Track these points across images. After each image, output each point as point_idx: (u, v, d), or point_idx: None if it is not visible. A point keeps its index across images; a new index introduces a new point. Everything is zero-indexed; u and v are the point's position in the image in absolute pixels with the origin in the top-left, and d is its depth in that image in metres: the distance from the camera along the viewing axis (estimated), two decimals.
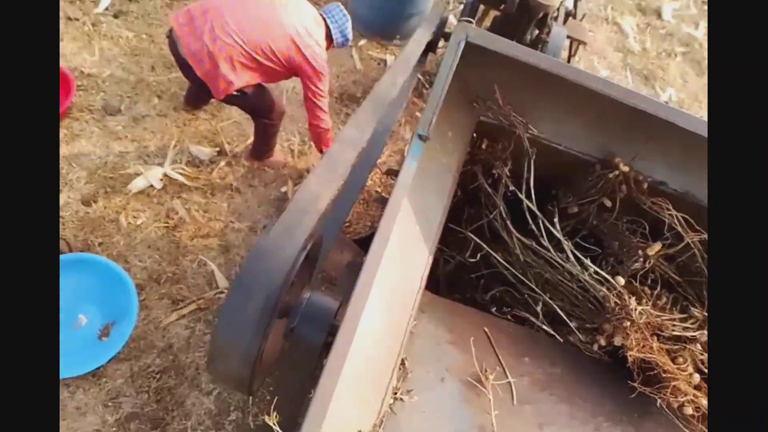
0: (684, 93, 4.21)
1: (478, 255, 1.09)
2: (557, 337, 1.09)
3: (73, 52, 2.96)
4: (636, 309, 0.97)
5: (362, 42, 3.58)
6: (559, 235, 1.06)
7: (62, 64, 2.89)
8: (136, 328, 2.28)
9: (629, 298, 1.00)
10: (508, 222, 1.09)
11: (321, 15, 2.48)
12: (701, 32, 4.67)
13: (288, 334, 1.26)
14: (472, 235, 1.13)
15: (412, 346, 1.00)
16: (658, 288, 1.10)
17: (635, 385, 0.94)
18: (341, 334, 0.80)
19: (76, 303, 2.26)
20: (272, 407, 0.90)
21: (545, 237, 1.07)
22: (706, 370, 0.97)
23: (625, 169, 1.13)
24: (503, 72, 0.99)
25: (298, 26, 2.32)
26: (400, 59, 2.75)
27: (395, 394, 0.95)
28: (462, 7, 3.58)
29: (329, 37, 2.51)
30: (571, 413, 0.97)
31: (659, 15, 4.69)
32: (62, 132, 2.71)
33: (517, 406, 0.96)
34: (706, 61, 4.47)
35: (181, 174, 2.76)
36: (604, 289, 1.01)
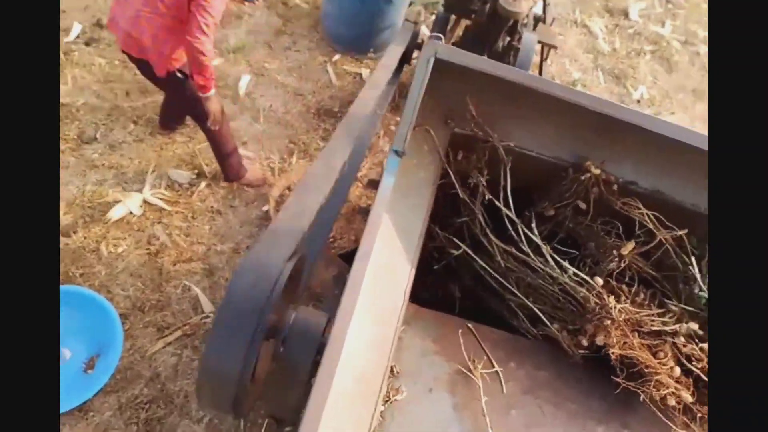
0: (655, 90, 4.30)
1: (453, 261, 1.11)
2: (551, 337, 1.10)
3: None
4: (615, 307, 0.99)
5: (336, 57, 3.60)
6: (537, 240, 1.07)
7: None
8: (121, 358, 2.24)
9: (608, 297, 1.01)
10: (488, 230, 1.10)
11: None
12: (668, 30, 4.78)
13: (276, 355, 1.25)
14: (457, 241, 1.14)
15: (398, 359, 1.00)
16: (636, 285, 1.12)
17: (619, 380, 0.95)
18: (328, 351, 0.80)
19: (59, 337, 2.22)
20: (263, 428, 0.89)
21: (524, 242, 1.08)
22: (686, 363, 0.99)
23: (596, 171, 1.15)
24: (474, 85, 1.01)
25: None
26: (375, 73, 2.77)
27: (385, 402, 0.95)
28: (434, 18, 3.63)
29: None
30: (557, 414, 0.98)
31: (626, 15, 4.79)
32: None
33: (505, 410, 0.97)
34: (675, 58, 4.58)
35: (160, 199, 2.74)
36: (583, 290, 1.02)
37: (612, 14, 4.77)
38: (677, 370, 0.97)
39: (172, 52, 2.22)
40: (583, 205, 1.18)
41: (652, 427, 0.96)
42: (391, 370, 1.00)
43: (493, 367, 0.99)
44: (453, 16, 3.24)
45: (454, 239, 1.11)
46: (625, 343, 0.96)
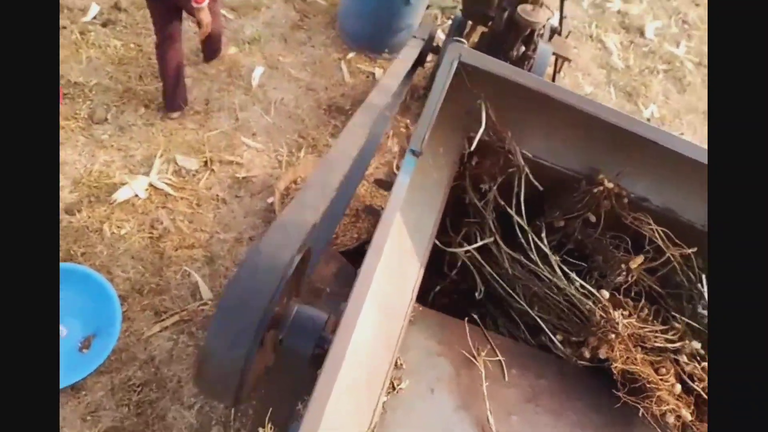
0: (666, 110, 4.30)
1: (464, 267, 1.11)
2: (551, 348, 1.10)
3: (60, 61, 2.94)
4: (621, 322, 0.99)
5: (351, 55, 3.61)
6: (546, 249, 1.07)
7: None
8: (117, 339, 2.24)
9: (614, 311, 1.01)
10: (497, 236, 1.11)
11: None
12: (683, 50, 4.78)
13: (276, 346, 1.25)
14: (469, 246, 1.14)
15: (403, 357, 1.00)
16: (642, 300, 1.12)
17: (620, 394, 0.95)
18: (336, 342, 0.80)
19: None
20: (267, 418, 0.89)
21: (534, 251, 1.08)
22: (687, 380, 0.99)
23: (610, 185, 1.15)
24: (493, 90, 1.02)
25: None
26: (389, 73, 2.77)
27: (389, 393, 0.96)
28: (450, 22, 3.63)
29: None
30: (557, 424, 0.98)
31: (642, 33, 4.79)
32: None
33: (506, 416, 0.97)
34: (687, 79, 4.58)
35: (166, 184, 2.74)
36: (589, 303, 1.02)
37: (628, 31, 4.77)
38: (678, 388, 0.97)
39: None
40: (593, 218, 1.19)
41: None
42: (396, 363, 1.01)
43: (494, 373, 0.99)
44: (470, 22, 3.24)
45: (462, 242, 1.11)
46: (627, 357, 0.96)
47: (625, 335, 0.97)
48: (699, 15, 5.20)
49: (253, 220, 2.81)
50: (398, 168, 2.14)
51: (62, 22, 3.14)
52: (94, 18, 3.19)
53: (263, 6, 3.62)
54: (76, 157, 2.70)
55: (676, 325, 1.09)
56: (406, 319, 0.90)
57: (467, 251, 1.10)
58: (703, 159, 1.02)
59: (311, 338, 1.10)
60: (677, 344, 1.03)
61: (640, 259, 1.11)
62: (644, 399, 0.94)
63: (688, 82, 4.57)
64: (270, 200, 2.88)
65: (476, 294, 1.06)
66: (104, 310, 2.26)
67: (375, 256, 0.84)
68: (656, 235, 1.13)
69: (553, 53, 3.21)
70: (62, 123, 2.75)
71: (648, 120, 4.19)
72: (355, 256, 2.34)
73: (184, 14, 2.66)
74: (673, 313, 1.11)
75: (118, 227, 2.56)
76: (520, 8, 2.77)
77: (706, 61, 4.81)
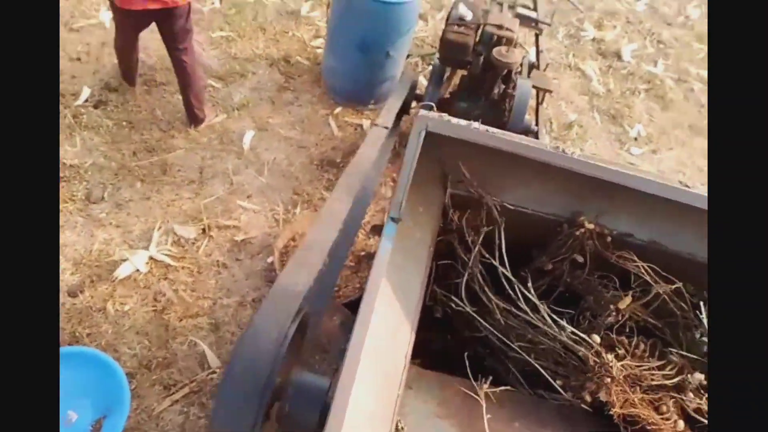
0: (651, 128, 4.37)
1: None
2: (554, 392, 1.09)
3: None
4: (615, 365, 0.99)
5: (338, 110, 3.70)
6: (534, 299, 1.09)
7: None
8: (128, 418, 2.22)
9: (606, 354, 1.01)
10: (486, 288, 1.12)
11: None
12: (660, 69, 4.89)
13: (281, 418, 1.25)
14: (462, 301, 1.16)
15: (403, 421, 1.00)
16: (635, 337, 1.12)
17: None
18: (329, 423, 0.80)
19: (65, 399, 2.20)
20: None
21: (522, 300, 1.09)
22: (691, 413, 0.98)
23: (590, 226, 1.17)
24: (466, 150, 1.05)
25: None
26: (375, 125, 2.84)
27: None
28: (431, 68, 3.74)
29: None
30: None
31: (619, 57, 4.91)
32: None
33: None
34: (669, 96, 4.66)
35: (167, 255, 2.78)
36: (582, 349, 1.03)
37: (605, 56, 4.89)
38: (681, 424, 0.96)
39: None
40: (580, 259, 1.20)
41: None
42: (397, 427, 1.00)
43: (497, 427, 0.99)
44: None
45: (453, 297, 1.12)
46: (626, 400, 0.96)
47: (620, 378, 0.97)
48: (672, 34, 5.34)
49: (254, 281, 2.83)
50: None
51: None
52: (86, 101, 3.30)
53: (249, 72, 3.74)
54: (76, 238, 2.74)
55: (673, 359, 1.09)
56: (402, 385, 0.90)
57: (457, 305, 1.12)
58: (677, 197, 1.05)
59: (315, 407, 1.10)
60: (676, 379, 1.03)
61: (628, 299, 1.12)
62: None
63: (670, 99, 4.66)
64: (270, 260, 2.90)
65: (465, 354, 1.06)
66: (113, 390, 2.24)
67: (363, 327, 0.85)
68: (642, 271, 1.14)
69: (534, 87, 3.29)
70: (60, 206, 2.81)
71: (635, 139, 4.25)
72: (359, 306, 2.34)
73: None
74: (671, 349, 1.11)
75: (122, 304, 2.58)
76: (494, 51, 2.86)
77: (685, 77, 4.91)
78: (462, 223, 1.17)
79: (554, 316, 1.07)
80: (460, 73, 3.44)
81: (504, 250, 1.12)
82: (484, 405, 1.00)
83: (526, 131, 3.39)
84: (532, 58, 3.78)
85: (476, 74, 3.04)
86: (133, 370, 2.40)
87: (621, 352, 1.07)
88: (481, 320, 1.11)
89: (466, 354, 1.17)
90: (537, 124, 3.46)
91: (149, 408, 2.30)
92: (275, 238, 2.98)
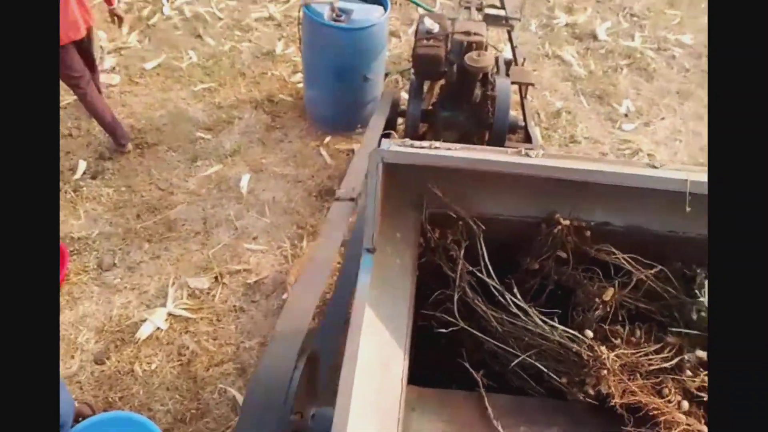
0: (640, 101, 4.37)
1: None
2: (558, 391, 1.10)
3: (60, 221, 3.13)
4: (609, 357, 1.01)
5: (328, 139, 3.77)
6: (522, 304, 1.12)
7: None
8: None
9: (599, 347, 1.04)
10: (477, 300, 1.15)
11: None
12: (639, 42, 4.90)
13: None
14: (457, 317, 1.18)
15: None
16: (629, 323, 1.13)
17: (628, 430, 0.96)
18: None
19: None
20: None
21: (512, 305, 1.12)
22: (694, 392, 0.99)
23: (566, 222, 1.20)
24: (431, 171, 1.08)
25: None
26: (362, 149, 2.88)
27: None
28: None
29: None
30: None
31: (595, 37, 4.94)
32: (64, 299, 2.82)
33: None
34: (652, 66, 4.67)
35: (184, 309, 2.84)
36: (575, 345, 1.05)
37: (581, 39, 4.92)
38: (685, 404, 0.98)
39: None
40: (564, 254, 1.23)
41: None
42: None
43: (509, 427, 1.01)
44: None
45: (446, 316, 1.15)
46: (624, 390, 0.98)
47: (615, 368, 0.99)
48: (644, 5, 5.35)
49: (273, 320, 2.88)
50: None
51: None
52: (84, 173, 3.41)
53: (235, 118, 3.84)
54: (95, 308, 2.82)
55: (670, 340, 1.10)
56: (401, 412, 0.93)
57: (451, 322, 1.15)
58: (642, 183, 1.07)
59: None
60: (674, 360, 1.04)
61: (610, 291, 1.14)
62: (653, 427, 0.95)
63: (653, 69, 4.66)
64: (285, 296, 2.95)
65: (468, 365, 1.08)
66: None
67: (351, 363, 0.88)
68: (622, 261, 1.17)
69: (515, 83, 3.32)
70: (74, 279, 2.90)
71: (626, 115, 4.26)
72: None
73: None
74: (670, 329, 1.12)
75: (148, 363, 2.65)
76: (466, 57, 2.91)
77: (664, 45, 4.92)
78: (443, 241, 1.20)
79: (543, 318, 1.09)
80: (441, 82, 3.50)
81: (487, 260, 1.16)
82: (491, 411, 1.03)
83: (514, 128, 3.43)
84: (509, 55, 3.82)
85: (454, 82, 3.10)
86: (169, 425, 2.46)
87: (617, 341, 1.09)
88: (478, 333, 1.14)
89: (468, 363, 1.20)
90: (525, 119, 3.49)
91: None
92: (287, 275, 3.04)
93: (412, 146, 1.11)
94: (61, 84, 3.17)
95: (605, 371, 0.98)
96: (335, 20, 3.41)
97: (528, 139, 3.41)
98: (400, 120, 3.43)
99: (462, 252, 1.17)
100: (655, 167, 1.17)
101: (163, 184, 3.38)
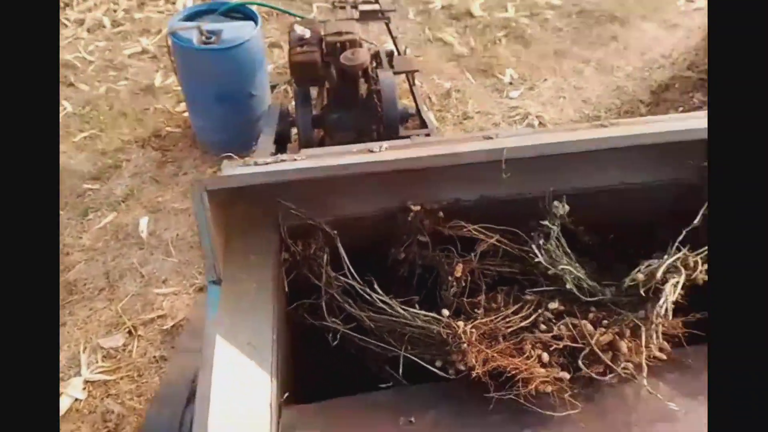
0: (521, 67, 4.54)
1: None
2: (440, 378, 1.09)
3: None
4: (466, 330, 1.03)
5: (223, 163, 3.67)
6: (384, 297, 1.12)
7: None
8: None
9: (455, 323, 1.05)
10: (348, 303, 1.15)
11: None
12: (512, 12, 5.09)
13: None
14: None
15: None
16: (486, 294, 1.16)
17: (492, 395, 0.97)
18: None
19: None
20: None
21: (377, 300, 1.13)
22: (553, 344, 1.01)
23: (416, 208, 1.22)
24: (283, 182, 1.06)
25: None
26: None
27: None
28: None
29: None
30: None
31: (471, 14, 5.08)
32: None
33: None
34: (528, 32, 4.86)
35: (101, 372, 2.69)
36: (434, 327, 1.06)
37: (458, 19, 5.06)
38: (545, 356, 1.01)
39: None
40: (423, 239, 1.25)
41: (547, 423, 0.98)
42: None
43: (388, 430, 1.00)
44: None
45: (323, 323, 1.14)
46: (485, 360, 1.00)
47: (473, 340, 1.02)
48: None
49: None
50: None
51: None
52: None
53: (123, 161, 3.67)
54: None
55: (529, 298, 1.14)
56: None
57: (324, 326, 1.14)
58: (474, 158, 1.09)
59: None
60: (532, 317, 1.08)
61: (459, 267, 1.17)
62: (512, 387, 0.97)
63: (529, 35, 4.86)
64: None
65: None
66: None
67: (203, 406, 0.85)
68: (474, 233, 1.20)
69: (399, 72, 3.35)
70: None
71: (511, 84, 4.42)
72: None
73: None
74: (532, 284, 1.15)
75: None
76: (342, 57, 2.91)
77: (536, 10, 5.14)
78: (307, 251, 1.19)
79: (403, 306, 1.10)
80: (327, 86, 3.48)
81: (347, 262, 1.15)
82: (369, 411, 1.02)
83: (405, 117, 3.46)
84: (390, 46, 3.86)
85: (336, 84, 3.10)
86: None
87: (480, 311, 1.12)
88: (354, 334, 1.14)
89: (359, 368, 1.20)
90: (417, 105, 3.53)
91: None
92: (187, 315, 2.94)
93: (255, 164, 1.08)
94: None
95: (465, 345, 1.00)
96: (205, 43, 3.32)
97: (423, 124, 3.46)
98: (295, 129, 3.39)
99: (327, 258, 1.16)
100: (491, 137, 1.21)
101: None
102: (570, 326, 1.06)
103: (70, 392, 2.61)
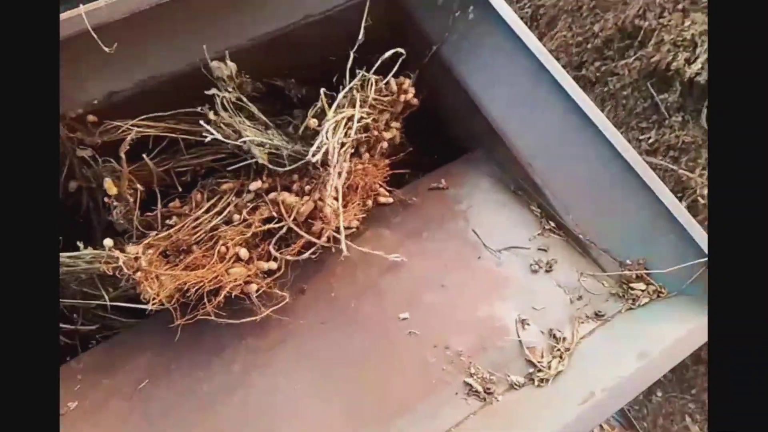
0: None
1: None
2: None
3: None
4: (138, 258, 0.83)
5: None
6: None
7: None
8: None
9: (117, 253, 0.85)
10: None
11: None
12: None
13: None
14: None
15: None
16: (175, 200, 0.95)
17: (179, 322, 0.82)
18: None
19: None
20: None
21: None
22: (250, 234, 0.85)
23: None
24: None
25: None
26: None
27: None
28: None
29: None
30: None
31: None
32: None
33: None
34: None
35: None
36: (100, 265, 0.84)
37: None
38: (244, 252, 0.85)
39: None
40: (83, 153, 0.96)
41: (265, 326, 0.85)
42: None
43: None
44: None
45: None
46: (161, 283, 0.82)
47: (146, 266, 0.82)
48: None
49: None
50: None
51: None
52: None
53: None
54: None
55: (225, 186, 0.94)
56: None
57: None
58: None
59: None
60: (227, 211, 0.89)
61: (109, 183, 0.91)
62: (201, 305, 0.81)
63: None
64: None
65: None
66: None
67: None
68: (134, 129, 0.92)
69: None
70: None
71: None
72: None
73: None
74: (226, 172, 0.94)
75: None
76: None
77: None
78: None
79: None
80: None
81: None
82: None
83: None
84: None
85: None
86: None
87: (173, 221, 0.92)
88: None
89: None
90: None
91: None
92: None
93: None
94: None
95: (135, 273, 0.81)
96: None
97: None
98: None
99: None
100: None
101: None
102: (270, 204, 0.89)
103: None
